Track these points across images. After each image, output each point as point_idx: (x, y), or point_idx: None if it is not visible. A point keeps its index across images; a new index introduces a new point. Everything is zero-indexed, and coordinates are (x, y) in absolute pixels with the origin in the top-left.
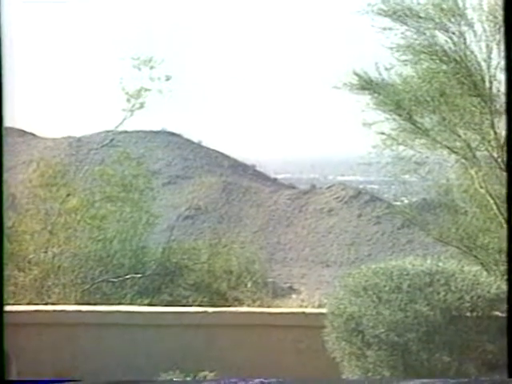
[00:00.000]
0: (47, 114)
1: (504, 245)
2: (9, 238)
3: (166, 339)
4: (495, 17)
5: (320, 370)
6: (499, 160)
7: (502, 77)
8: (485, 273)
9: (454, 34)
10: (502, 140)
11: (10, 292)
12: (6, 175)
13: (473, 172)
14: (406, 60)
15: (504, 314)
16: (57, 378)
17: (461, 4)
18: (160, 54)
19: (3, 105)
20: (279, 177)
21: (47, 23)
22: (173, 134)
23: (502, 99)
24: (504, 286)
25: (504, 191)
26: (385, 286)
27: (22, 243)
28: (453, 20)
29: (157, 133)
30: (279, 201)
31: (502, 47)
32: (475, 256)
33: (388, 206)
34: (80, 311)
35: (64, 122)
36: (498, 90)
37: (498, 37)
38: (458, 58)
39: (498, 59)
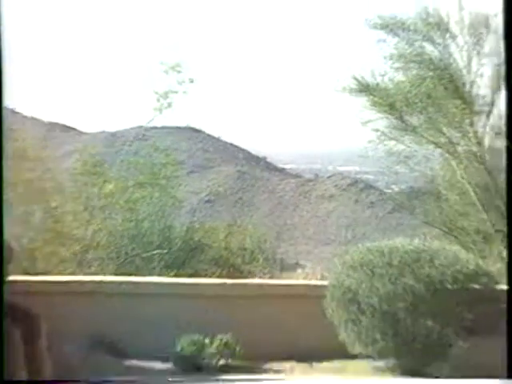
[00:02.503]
0: (88, 111)
1: (482, 227)
2: (54, 217)
3: (190, 307)
4: (475, 30)
5: (320, 332)
6: (478, 154)
7: (480, 82)
8: (463, 251)
9: (439, 45)
10: (480, 137)
11: (54, 264)
12: (52, 164)
13: (454, 164)
14: (397, 67)
15: (480, 287)
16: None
17: (445, 19)
18: (185, 60)
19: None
20: (286, 167)
21: (89, 31)
22: (195, 130)
23: (481, 101)
24: (481, 262)
25: (481, 181)
26: (377, 262)
27: (66, 222)
28: (438, 33)
29: (182, 129)
30: (286, 188)
31: (481, 56)
32: (455, 236)
33: (380, 193)
34: (115, 282)
35: (103, 118)
36: (477, 94)
37: (477, 47)
38: (442, 66)
39: (478, 66)
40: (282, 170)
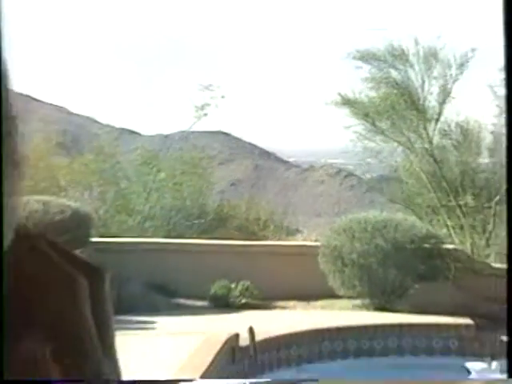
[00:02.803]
0: (146, 119)
1: (431, 203)
2: (122, 196)
3: (220, 261)
4: (427, 60)
5: (315, 280)
6: (429, 150)
7: (430, 97)
8: (418, 220)
9: (401, 70)
10: (431, 137)
11: (123, 230)
12: (120, 158)
13: (412, 157)
14: (370, 87)
15: (430, 246)
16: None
17: (406, 52)
18: (217, 80)
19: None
20: (290, 160)
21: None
22: (224, 133)
23: (431, 111)
24: (430, 228)
25: (431, 169)
26: (356, 229)
27: (130, 200)
28: (400, 62)
29: (214, 132)
30: (290, 175)
31: (431, 79)
32: (412, 210)
33: (358, 179)
34: (166, 243)
35: (157, 124)
36: (428, 106)
37: (428, 72)
38: (403, 86)
39: (428, 86)
40: (286, 162)
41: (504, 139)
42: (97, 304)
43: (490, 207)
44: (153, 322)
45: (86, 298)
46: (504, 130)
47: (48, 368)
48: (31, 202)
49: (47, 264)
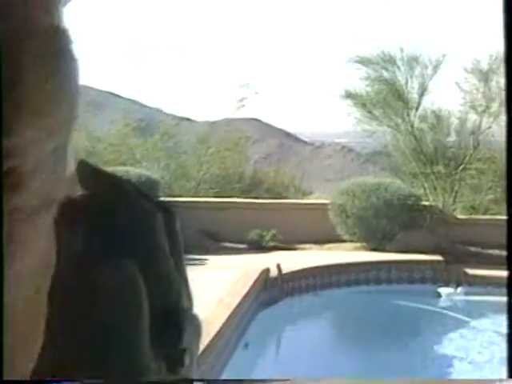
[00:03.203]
0: (199, 109)
1: (412, 171)
2: (181, 167)
3: (255, 215)
4: (410, 63)
5: (325, 228)
6: (410, 131)
7: (412, 91)
8: (403, 184)
9: (390, 71)
10: (412, 121)
11: (182, 192)
12: (181, 138)
13: (398, 136)
14: (367, 84)
15: (411, 202)
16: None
17: (394, 57)
18: (253, 79)
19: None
20: (306, 139)
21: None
22: (257, 120)
23: (412, 102)
24: (412, 190)
25: (412, 146)
26: (356, 191)
27: (188, 170)
28: (390, 64)
29: (249, 119)
30: (306, 152)
31: (413, 78)
32: (398, 176)
33: (358, 153)
34: (214, 201)
35: (208, 113)
36: (411, 98)
37: (411, 72)
38: (392, 83)
39: (410, 83)
40: (303, 141)
41: (467, 123)
42: (171, 238)
43: (456, 173)
44: (205, 260)
45: (164, 232)
46: (467, 117)
47: (140, 287)
48: (116, 170)
49: (131, 200)
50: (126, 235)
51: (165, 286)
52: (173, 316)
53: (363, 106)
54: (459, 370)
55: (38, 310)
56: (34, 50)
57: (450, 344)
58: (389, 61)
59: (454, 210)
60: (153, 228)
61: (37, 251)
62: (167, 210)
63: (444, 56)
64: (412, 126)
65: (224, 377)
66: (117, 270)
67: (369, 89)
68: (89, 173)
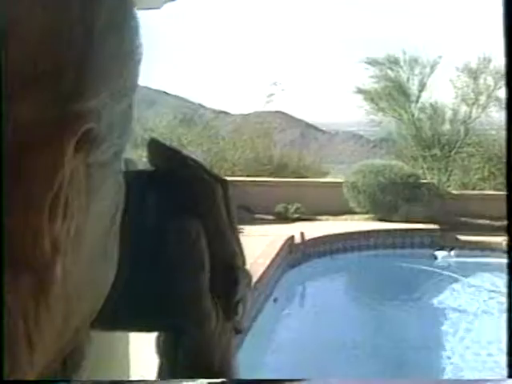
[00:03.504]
0: (236, 103)
1: (412, 154)
2: (220, 150)
3: (279, 192)
4: (411, 64)
5: (341, 203)
6: (411, 120)
7: (413, 87)
8: (405, 165)
9: (394, 70)
10: (413, 112)
11: (220, 172)
12: (219, 128)
13: (401, 125)
14: (375, 81)
15: (411, 181)
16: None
17: (398, 59)
18: (279, 78)
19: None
20: (324, 128)
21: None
22: (283, 113)
23: (413, 96)
24: (412, 169)
25: (412, 132)
26: (366, 171)
27: (226, 154)
28: (394, 64)
29: (275, 112)
30: (323, 139)
31: (413, 76)
32: (402, 159)
33: (367, 140)
34: (247, 180)
35: (242, 107)
36: (412, 93)
37: (412, 71)
38: (395, 80)
39: (411, 80)
40: (321, 130)
41: (459, 114)
42: (226, 204)
43: (450, 156)
44: (239, 229)
45: (222, 198)
46: (459, 108)
47: (202, 243)
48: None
49: (197, 172)
50: (193, 200)
51: (223, 244)
52: (229, 271)
53: (371, 99)
54: (452, 317)
55: (112, 243)
56: (106, 16)
57: (445, 296)
58: (393, 62)
59: (448, 186)
60: (213, 195)
61: (106, 196)
62: (223, 181)
63: (440, 57)
64: (413, 116)
65: (258, 323)
66: (184, 227)
67: (376, 85)
68: (161, 149)
